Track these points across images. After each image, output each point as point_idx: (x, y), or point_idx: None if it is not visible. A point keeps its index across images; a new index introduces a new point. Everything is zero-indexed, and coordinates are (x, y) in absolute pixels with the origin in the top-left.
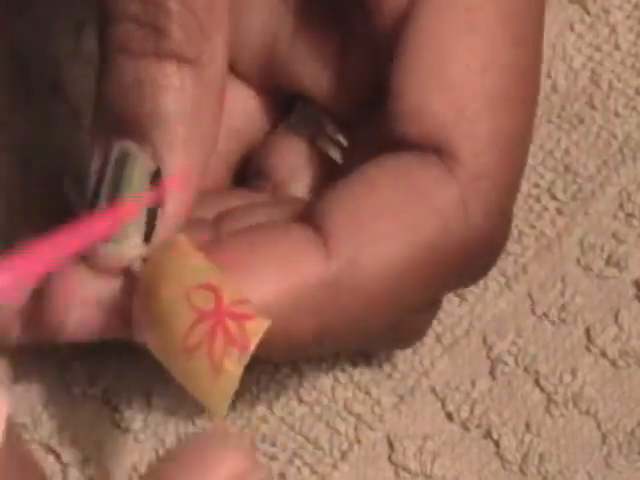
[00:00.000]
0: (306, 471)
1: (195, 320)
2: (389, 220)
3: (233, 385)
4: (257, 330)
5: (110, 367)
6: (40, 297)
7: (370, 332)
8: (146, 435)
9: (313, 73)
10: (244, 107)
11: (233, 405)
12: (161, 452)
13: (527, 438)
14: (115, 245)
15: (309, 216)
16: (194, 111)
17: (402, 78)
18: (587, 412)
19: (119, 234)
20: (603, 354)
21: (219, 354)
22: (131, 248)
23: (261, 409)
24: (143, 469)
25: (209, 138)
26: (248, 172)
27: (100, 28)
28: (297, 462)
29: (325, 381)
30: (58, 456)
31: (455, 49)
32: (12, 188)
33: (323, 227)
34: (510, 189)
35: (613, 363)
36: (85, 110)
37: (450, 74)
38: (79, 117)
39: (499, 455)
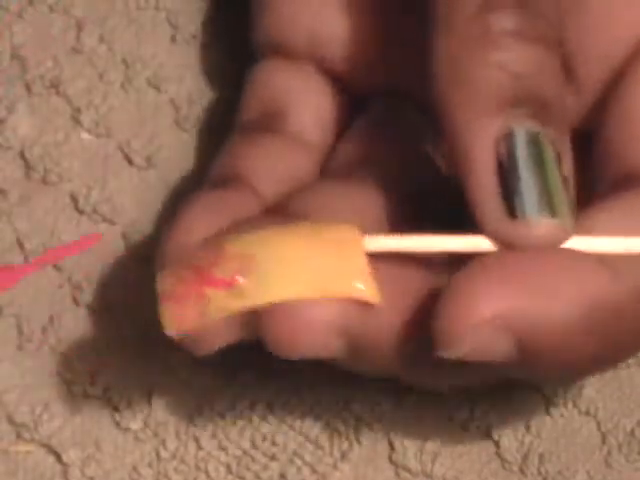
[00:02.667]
0: (306, 471)
1: None
2: None
3: None
4: None
5: (110, 366)
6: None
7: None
8: (146, 435)
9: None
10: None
11: (233, 404)
12: (162, 452)
13: (527, 439)
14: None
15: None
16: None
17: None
18: (587, 412)
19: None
20: None
21: None
22: (566, 227)
23: (261, 409)
24: (143, 469)
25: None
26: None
27: None
28: (297, 462)
29: (325, 381)
30: (58, 456)
31: None
32: (13, 186)
33: None
34: None
35: None
36: (85, 109)
37: None
38: (79, 117)
39: (499, 455)
